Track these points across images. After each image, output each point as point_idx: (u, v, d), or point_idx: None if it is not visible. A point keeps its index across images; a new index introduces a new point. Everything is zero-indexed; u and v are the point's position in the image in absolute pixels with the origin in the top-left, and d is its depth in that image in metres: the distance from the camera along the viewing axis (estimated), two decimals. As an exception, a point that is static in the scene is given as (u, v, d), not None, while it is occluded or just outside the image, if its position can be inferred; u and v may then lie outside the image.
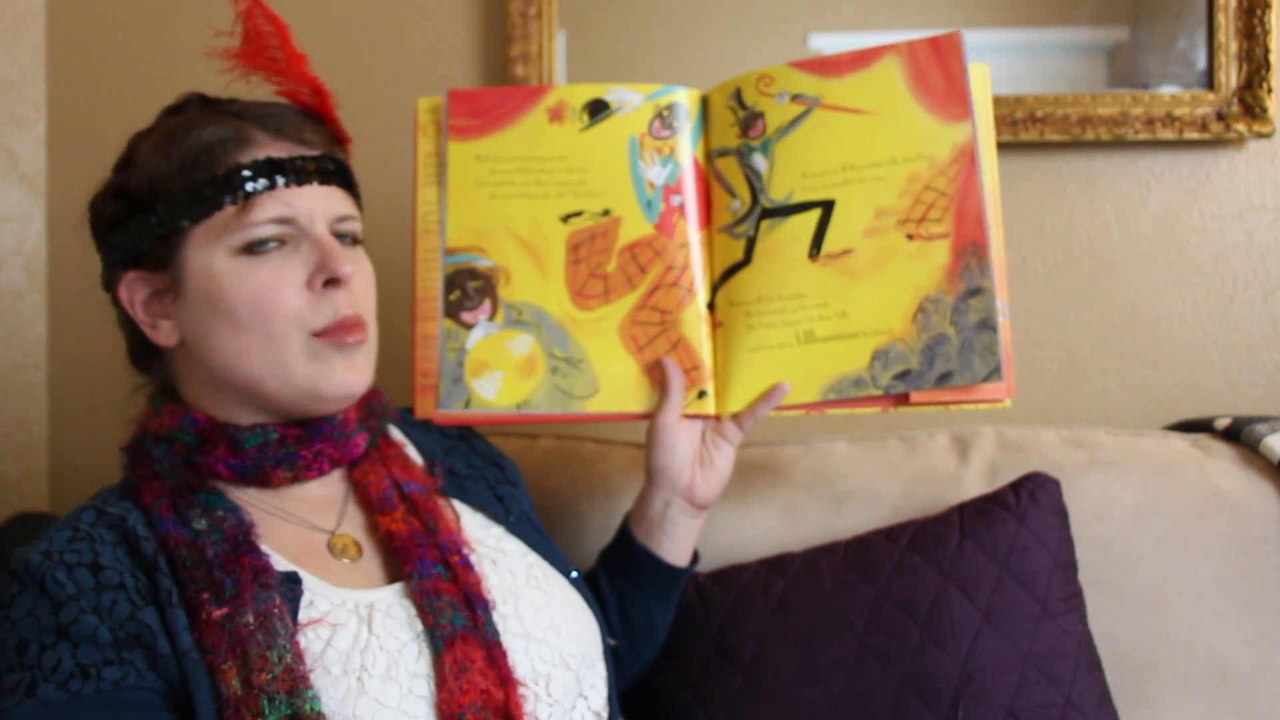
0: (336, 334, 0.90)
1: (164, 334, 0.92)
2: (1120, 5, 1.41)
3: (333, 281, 0.90)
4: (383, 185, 1.50)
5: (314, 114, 0.99)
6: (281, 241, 0.90)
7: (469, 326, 1.10)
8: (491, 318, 1.10)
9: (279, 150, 0.92)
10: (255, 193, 0.89)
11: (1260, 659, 1.12)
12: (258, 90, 0.99)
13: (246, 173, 0.89)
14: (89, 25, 1.57)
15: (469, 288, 1.10)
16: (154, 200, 0.90)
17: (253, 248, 0.89)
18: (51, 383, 1.61)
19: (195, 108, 0.96)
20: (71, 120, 1.58)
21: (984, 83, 1.05)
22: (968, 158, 1.03)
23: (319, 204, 0.92)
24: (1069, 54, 1.42)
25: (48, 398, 1.61)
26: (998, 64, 1.07)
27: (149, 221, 0.90)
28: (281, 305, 0.89)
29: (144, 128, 0.96)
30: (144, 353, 0.96)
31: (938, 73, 1.04)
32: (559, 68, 1.45)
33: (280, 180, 0.90)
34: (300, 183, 0.91)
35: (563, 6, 1.45)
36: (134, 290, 0.92)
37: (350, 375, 0.91)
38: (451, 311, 1.10)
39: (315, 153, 0.94)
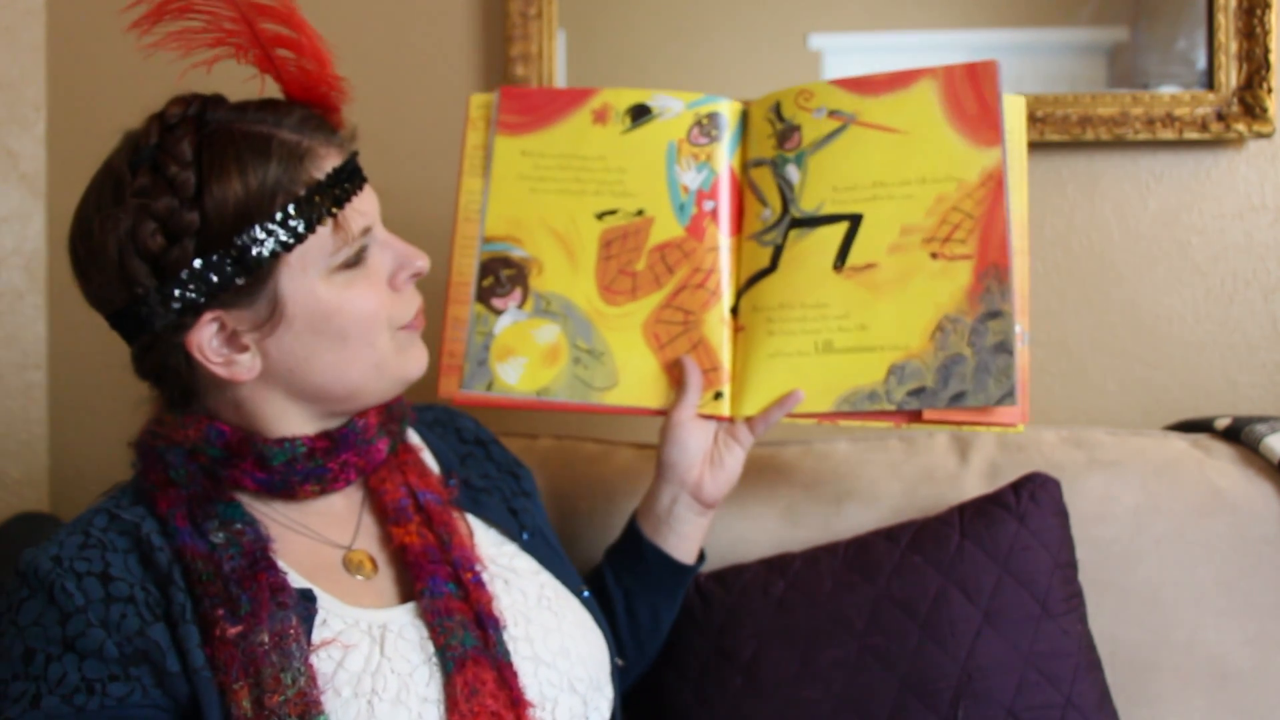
0: (412, 325, 0.94)
1: (242, 369, 0.86)
2: (1120, 5, 1.41)
3: (415, 275, 0.93)
4: (383, 182, 1.50)
5: (325, 111, 0.93)
6: (362, 251, 0.88)
7: (498, 312, 1.12)
8: (521, 305, 1.12)
9: (335, 158, 0.88)
10: (343, 202, 0.86)
11: (1260, 659, 1.12)
12: (232, 88, 0.93)
13: (334, 190, 0.86)
14: (89, 25, 1.58)
15: (502, 275, 1.13)
16: (233, 233, 0.82)
17: (348, 263, 0.87)
18: (51, 383, 1.61)
19: (199, 119, 0.87)
20: (71, 120, 1.58)
21: (1020, 114, 1.07)
22: (996, 182, 1.04)
23: (372, 204, 0.91)
24: (1069, 54, 1.42)
25: (48, 398, 1.61)
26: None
27: (229, 254, 0.83)
28: (380, 312, 0.89)
29: (135, 155, 0.86)
30: (187, 394, 0.89)
31: (972, 98, 1.06)
32: (559, 68, 1.45)
33: (353, 188, 0.88)
34: (361, 187, 0.89)
35: (563, 6, 1.45)
36: (204, 333, 0.85)
37: (424, 355, 0.95)
38: (483, 296, 1.13)
39: (354, 152, 0.92)
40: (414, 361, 0.94)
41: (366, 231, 0.88)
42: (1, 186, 1.56)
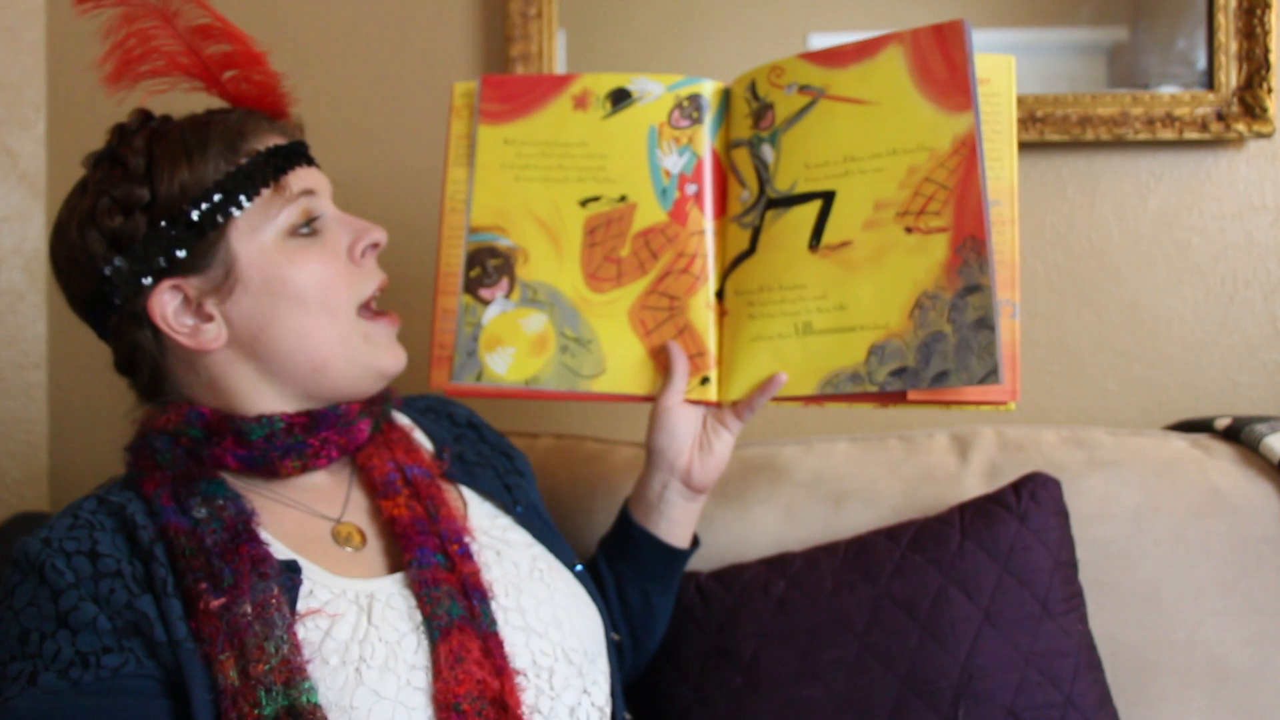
0: (381, 318, 0.97)
1: (209, 337, 0.91)
2: (1120, 5, 1.41)
3: (374, 246, 0.97)
4: (382, 181, 1.51)
5: (275, 115, 1.01)
6: (312, 220, 0.93)
7: (486, 303, 1.12)
8: (508, 295, 1.12)
9: (278, 138, 0.95)
10: (284, 171, 0.92)
11: (1260, 659, 1.12)
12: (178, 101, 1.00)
13: (275, 159, 0.92)
14: (89, 25, 1.57)
15: (489, 265, 1.13)
16: (182, 202, 0.89)
17: (297, 229, 0.92)
18: (51, 383, 1.61)
19: (154, 127, 0.94)
20: (71, 120, 1.58)
21: (1007, 73, 1.03)
22: (969, 149, 0.99)
23: (322, 182, 0.97)
24: (1069, 54, 1.42)
25: (48, 398, 1.61)
26: (998, 64, 1.07)
27: (180, 223, 0.89)
28: (339, 279, 0.93)
29: (98, 156, 0.95)
30: (159, 377, 0.94)
31: (940, 61, 1.02)
32: (559, 68, 1.45)
33: (294, 161, 0.94)
34: (305, 164, 0.95)
35: (563, 6, 1.45)
36: (165, 302, 0.90)
37: (400, 353, 0.98)
38: (471, 287, 1.13)
39: (301, 138, 0.98)
40: (388, 355, 0.96)
41: (308, 194, 0.94)
42: (1, 186, 1.56)
